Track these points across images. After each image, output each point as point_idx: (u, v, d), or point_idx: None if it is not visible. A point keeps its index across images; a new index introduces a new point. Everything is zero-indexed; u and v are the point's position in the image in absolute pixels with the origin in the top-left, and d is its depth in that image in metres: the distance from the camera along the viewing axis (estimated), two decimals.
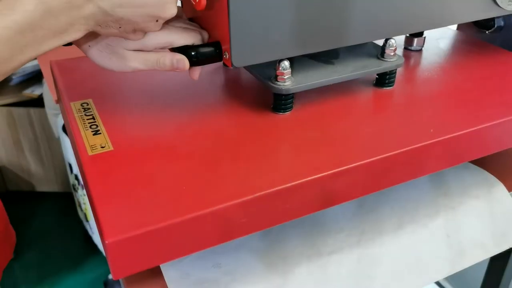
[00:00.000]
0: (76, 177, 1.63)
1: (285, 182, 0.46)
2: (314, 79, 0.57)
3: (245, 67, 0.61)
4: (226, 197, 0.44)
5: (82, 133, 0.53)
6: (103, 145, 0.51)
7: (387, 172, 0.52)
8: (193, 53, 0.51)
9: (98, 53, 0.51)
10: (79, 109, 0.57)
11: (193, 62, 0.52)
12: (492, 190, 0.68)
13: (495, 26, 0.76)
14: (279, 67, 0.55)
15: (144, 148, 0.51)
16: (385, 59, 0.60)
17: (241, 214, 0.45)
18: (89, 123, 0.55)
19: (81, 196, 1.63)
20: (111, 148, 0.51)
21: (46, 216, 1.91)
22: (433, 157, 0.54)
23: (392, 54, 0.60)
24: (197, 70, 0.55)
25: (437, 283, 1.27)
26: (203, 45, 0.52)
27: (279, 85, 0.55)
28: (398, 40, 0.75)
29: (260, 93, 0.61)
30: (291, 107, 0.57)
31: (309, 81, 0.56)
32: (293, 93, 0.56)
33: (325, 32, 0.53)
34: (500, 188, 0.68)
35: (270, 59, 0.53)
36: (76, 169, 1.60)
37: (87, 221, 1.71)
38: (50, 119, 1.83)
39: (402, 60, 0.61)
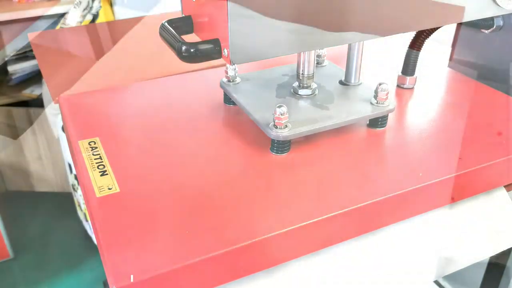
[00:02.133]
0: (76, 177, 1.64)
1: (281, 227, 0.49)
2: (310, 125, 0.59)
3: (245, 110, 0.63)
4: (227, 242, 0.47)
5: (90, 174, 0.56)
6: (110, 187, 0.54)
7: (377, 215, 0.55)
8: (192, 50, 0.51)
9: None
10: (86, 148, 0.60)
11: (192, 59, 0.52)
12: (490, 190, 0.66)
13: (494, 25, 0.75)
14: (276, 112, 0.57)
15: (148, 189, 0.54)
16: (378, 104, 0.63)
17: (242, 257, 0.48)
18: (96, 163, 0.57)
19: (81, 196, 1.64)
20: (118, 190, 0.54)
21: (46, 216, 1.91)
22: (422, 199, 0.57)
23: (384, 97, 0.62)
24: None
25: (437, 283, 1.27)
26: (203, 42, 0.53)
27: (277, 132, 0.58)
28: (391, 78, 0.78)
29: (259, 132, 0.63)
30: (289, 149, 0.60)
31: (305, 128, 0.59)
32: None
33: (324, 30, 0.53)
34: (498, 188, 0.67)
35: (269, 56, 0.53)
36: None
37: (87, 221, 1.72)
38: (50, 119, 1.84)
39: (394, 105, 0.63)
